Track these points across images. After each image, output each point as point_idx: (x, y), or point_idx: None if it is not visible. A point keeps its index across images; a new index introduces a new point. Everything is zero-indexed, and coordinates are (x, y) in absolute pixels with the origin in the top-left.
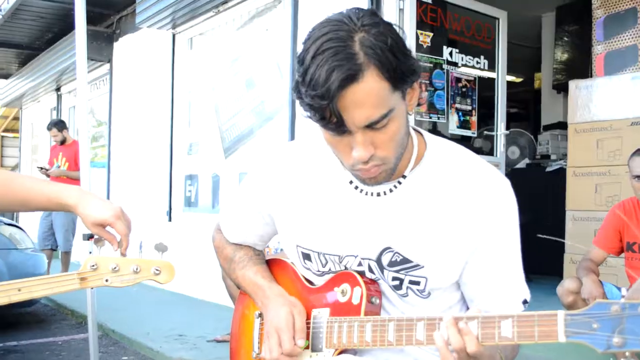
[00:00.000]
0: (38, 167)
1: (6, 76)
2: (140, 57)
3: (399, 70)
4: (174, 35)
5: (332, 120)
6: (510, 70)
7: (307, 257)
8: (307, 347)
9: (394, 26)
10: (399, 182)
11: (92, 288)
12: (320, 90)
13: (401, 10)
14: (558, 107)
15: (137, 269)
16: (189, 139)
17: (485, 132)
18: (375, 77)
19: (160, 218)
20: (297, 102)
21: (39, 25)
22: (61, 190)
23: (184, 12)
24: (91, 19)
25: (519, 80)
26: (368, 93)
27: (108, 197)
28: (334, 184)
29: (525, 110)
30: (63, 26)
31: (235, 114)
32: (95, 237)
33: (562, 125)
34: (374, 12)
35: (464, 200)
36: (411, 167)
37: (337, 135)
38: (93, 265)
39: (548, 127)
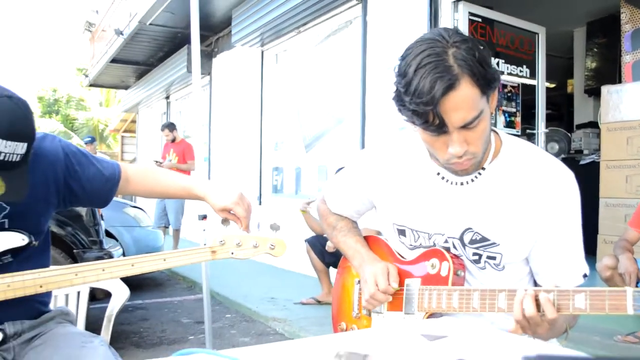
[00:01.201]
0: (154, 161)
1: (126, 87)
2: (235, 70)
3: (486, 78)
4: (262, 52)
5: (434, 122)
6: (546, 78)
7: (402, 232)
8: (400, 310)
9: (477, 41)
10: (479, 173)
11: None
12: (425, 98)
13: (455, 27)
14: (589, 109)
15: (256, 244)
16: (275, 138)
17: (528, 131)
18: (468, 85)
19: (252, 202)
20: (398, 110)
21: (153, 45)
22: (193, 183)
23: (270, 32)
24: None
25: (553, 85)
26: (464, 98)
27: None
28: (423, 175)
29: (559, 112)
30: (171, 46)
31: (314, 117)
32: (222, 218)
33: (593, 125)
34: (458, 30)
35: (534, 188)
36: (489, 160)
37: (435, 135)
38: (221, 241)
39: (580, 126)
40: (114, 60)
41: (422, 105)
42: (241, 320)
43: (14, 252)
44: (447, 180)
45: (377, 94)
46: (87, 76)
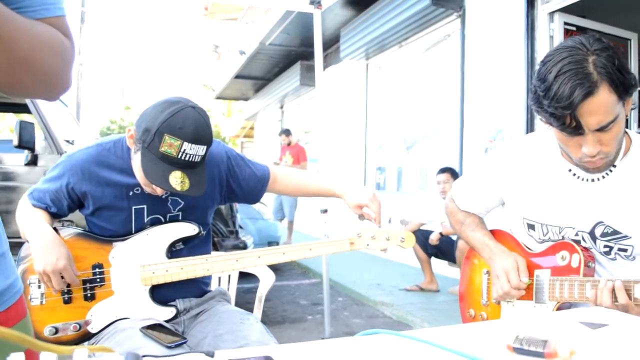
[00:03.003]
0: (273, 163)
1: (246, 99)
2: (342, 81)
3: (624, 84)
4: (367, 65)
5: (570, 125)
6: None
7: (531, 227)
8: (530, 299)
9: (616, 49)
10: (610, 170)
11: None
12: (564, 102)
13: (551, 37)
14: None
15: (388, 237)
16: (379, 140)
17: None
18: (606, 91)
19: None
20: (535, 110)
21: (270, 62)
22: (333, 184)
23: (375, 47)
24: (305, 57)
25: None
26: (601, 104)
27: None
28: (555, 172)
29: None
30: (286, 63)
31: (414, 121)
32: (359, 214)
33: None
34: (599, 38)
35: None
36: (620, 157)
37: (570, 136)
38: (358, 234)
39: None
40: (236, 77)
41: (560, 110)
42: (352, 303)
43: (185, 240)
44: (579, 177)
45: (474, 101)
46: (214, 90)
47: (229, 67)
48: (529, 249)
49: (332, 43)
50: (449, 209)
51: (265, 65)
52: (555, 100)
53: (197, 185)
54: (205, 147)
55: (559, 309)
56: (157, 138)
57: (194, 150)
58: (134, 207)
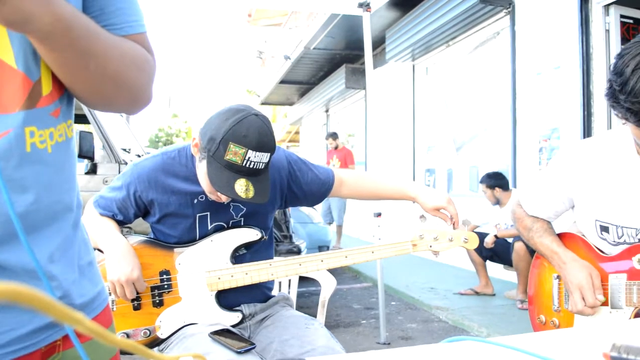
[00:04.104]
0: None
1: (291, 104)
2: (388, 83)
3: None
4: (413, 66)
5: None
6: None
7: (604, 229)
8: (605, 305)
9: None
10: None
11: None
12: None
13: (607, 31)
14: None
15: (451, 238)
16: (427, 142)
17: None
18: None
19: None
20: (611, 105)
21: (314, 67)
22: (405, 185)
23: (421, 48)
24: (350, 60)
25: None
26: None
27: None
28: (630, 171)
29: None
30: (330, 66)
31: (464, 121)
32: (420, 215)
33: None
34: None
35: None
36: None
37: None
38: (420, 236)
39: None
40: (281, 82)
41: (637, 104)
42: (406, 307)
43: (248, 245)
44: None
45: (527, 99)
46: (259, 96)
47: (273, 73)
48: (602, 252)
49: (377, 45)
50: (516, 214)
51: (310, 69)
52: (633, 94)
53: (261, 192)
54: (268, 154)
55: (636, 315)
56: (222, 146)
57: (258, 158)
58: (198, 215)
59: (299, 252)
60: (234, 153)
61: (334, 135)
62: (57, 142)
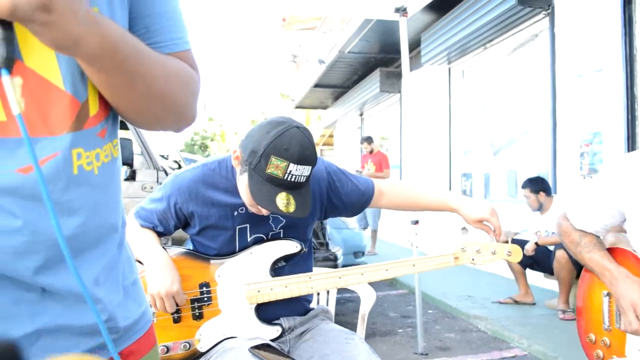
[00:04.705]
0: (356, 170)
1: (325, 107)
2: (423, 86)
3: None
4: (449, 69)
5: None
6: None
7: None
8: None
9: None
10: None
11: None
12: None
13: None
14: None
15: (494, 251)
16: (463, 146)
17: None
18: None
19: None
20: None
21: (348, 70)
22: (446, 197)
23: (457, 51)
24: (384, 63)
25: None
26: None
27: None
28: None
29: None
30: (364, 70)
31: (502, 125)
32: (462, 227)
33: None
34: None
35: None
36: None
37: None
38: (463, 248)
39: None
40: (315, 85)
41: None
42: (443, 316)
43: (287, 257)
44: None
45: (567, 103)
46: (293, 100)
47: (307, 77)
48: None
49: (412, 48)
50: (563, 227)
51: (344, 73)
52: None
53: (302, 206)
54: (310, 167)
55: None
56: (263, 160)
57: (300, 171)
58: (238, 227)
59: (335, 259)
60: (276, 166)
61: (368, 140)
62: (103, 162)
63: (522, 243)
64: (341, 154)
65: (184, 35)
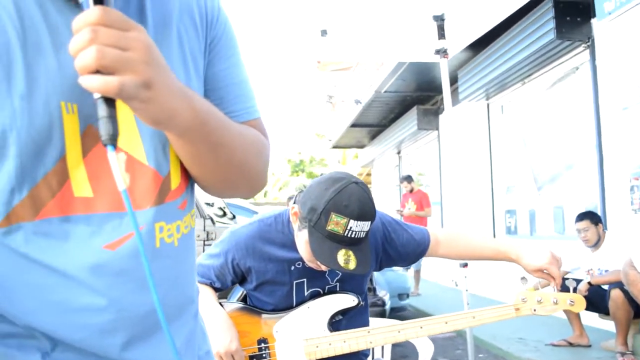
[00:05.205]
0: (397, 210)
1: (361, 146)
2: (461, 123)
3: None
4: (488, 104)
5: None
6: None
7: None
8: None
9: None
10: None
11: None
12: None
13: None
14: None
15: (556, 300)
16: (506, 182)
17: None
18: None
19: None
20: None
21: (385, 109)
22: (504, 246)
23: (496, 87)
24: (421, 101)
25: None
26: None
27: (442, 226)
28: None
29: None
30: (401, 108)
31: (545, 160)
32: (522, 276)
33: None
34: None
35: None
36: None
37: None
38: (523, 299)
39: None
40: (352, 125)
41: None
42: None
43: (344, 311)
44: None
45: (614, 135)
46: (330, 140)
47: (344, 116)
48: None
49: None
50: (630, 276)
51: (381, 112)
52: None
53: (363, 262)
54: (369, 222)
55: None
56: (323, 217)
57: (360, 227)
58: (295, 281)
59: (383, 304)
60: (336, 223)
61: (408, 179)
62: (183, 234)
63: (575, 282)
64: (379, 193)
65: (254, 103)
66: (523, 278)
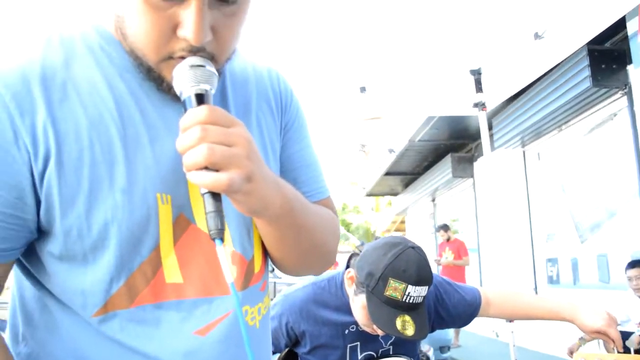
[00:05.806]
0: (434, 260)
1: (395, 194)
2: (497, 170)
3: None
4: (524, 152)
5: None
6: None
7: None
8: None
9: None
10: None
11: None
12: None
13: None
14: None
15: None
16: (546, 230)
17: None
18: None
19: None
20: None
21: (418, 157)
22: (559, 307)
23: (531, 134)
24: (455, 149)
25: None
26: None
27: (480, 274)
28: None
29: None
30: (434, 156)
31: (586, 207)
32: (580, 337)
33: None
34: None
35: None
36: None
37: None
38: None
39: None
40: (386, 174)
41: None
42: None
43: None
44: None
45: None
46: (364, 188)
47: (377, 165)
48: None
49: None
50: None
51: (415, 160)
52: None
53: (421, 328)
54: (427, 287)
55: None
56: (381, 282)
57: (417, 292)
58: (349, 345)
59: None
60: (394, 289)
61: (445, 227)
62: (262, 315)
63: (625, 335)
64: (414, 241)
65: (325, 183)
66: (581, 338)
